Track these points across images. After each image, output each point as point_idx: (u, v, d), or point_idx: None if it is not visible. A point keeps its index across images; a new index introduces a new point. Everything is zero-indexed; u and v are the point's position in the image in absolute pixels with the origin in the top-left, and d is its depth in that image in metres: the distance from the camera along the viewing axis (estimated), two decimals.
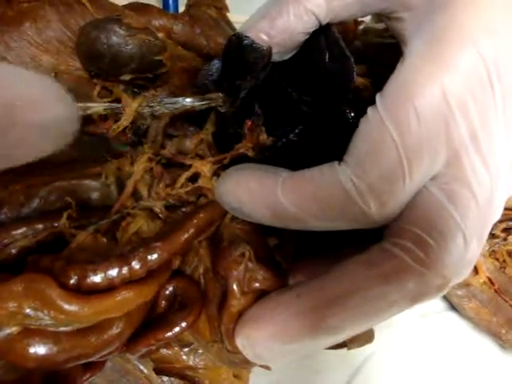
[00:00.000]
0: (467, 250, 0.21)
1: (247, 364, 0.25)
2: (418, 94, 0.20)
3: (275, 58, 0.24)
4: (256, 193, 0.22)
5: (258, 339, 0.22)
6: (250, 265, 0.23)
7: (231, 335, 0.23)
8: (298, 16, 0.22)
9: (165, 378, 0.31)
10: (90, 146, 0.29)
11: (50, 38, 0.26)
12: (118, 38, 0.23)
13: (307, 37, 0.23)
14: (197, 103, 0.24)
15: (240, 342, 0.22)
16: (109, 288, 0.21)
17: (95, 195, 0.29)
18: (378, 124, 0.20)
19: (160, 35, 0.26)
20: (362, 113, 0.21)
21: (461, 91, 0.19)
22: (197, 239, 0.25)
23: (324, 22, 0.23)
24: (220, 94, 0.24)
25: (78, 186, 0.28)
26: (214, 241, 0.26)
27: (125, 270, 0.21)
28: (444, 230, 0.20)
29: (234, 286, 0.23)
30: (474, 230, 0.21)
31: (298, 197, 0.21)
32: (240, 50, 0.24)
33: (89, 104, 0.24)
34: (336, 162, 0.21)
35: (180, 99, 0.24)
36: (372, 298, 0.20)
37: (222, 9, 0.34)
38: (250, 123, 0.24)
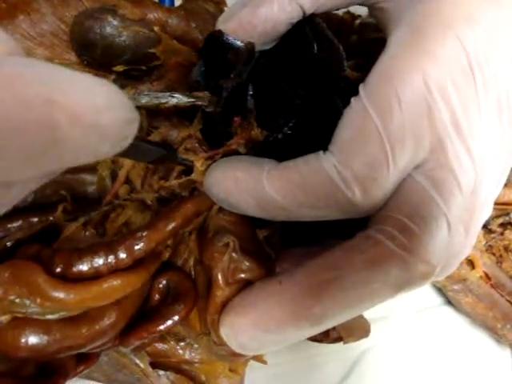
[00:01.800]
0: (452, 236, 0.21)
1: (235, 356, 0.25)
2: (400, 80, 0.20)
3: (256, 47, 0.24)
4: (242, 183, 0.22)
5: (241, 327, 0.22)
6: (234, 255, 0.23)
7: (216, 326, 0.23)
8: (281, 5, 0.22)
9: (161, 372, 0.31)
10: None
11: (44, 31, 0.26)
12: (111, 29, 0.23)
13: (290, 27, 0.23)
14: (183, 100, 0.24)
15: (224, 331, 0.22)
16: (95, 276, 0.21)
17: (91, 189, 0.29)
18: (361, 111, 0.20)
19: (155, 28, 0.25)
20: None
21: (442, 78, 0.20)
22: (184, 229, 0.25)
23: (308, 12, 0.23)
24: (207, 93, 0.24)
25: (74, 180, 0.28)
26: (201, 232, 0.26)
27: (111, 258, 0.21)
28: (427, 216, 0.20)
29: (219, 277, 0.23)
30: (459, 216, 0.21)
31: (283, 186, 0.21)
32: (219, 49, 0.23)
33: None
34: (321, 151, 0.21)
35: (167, 94, 0.24)
36: (355, 285, 0.20)
37: (220, 3, 0.33)
38: (238, 120, 0.24)
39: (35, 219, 0.26)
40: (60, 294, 0.20)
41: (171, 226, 0.23)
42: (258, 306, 0.21)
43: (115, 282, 0.21)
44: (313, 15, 0.24)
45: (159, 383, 0.31)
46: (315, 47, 0.23)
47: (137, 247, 0.22)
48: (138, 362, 0.31)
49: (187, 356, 0.30)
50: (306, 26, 0.24)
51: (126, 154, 0.17)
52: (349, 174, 0.20)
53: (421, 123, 0.20)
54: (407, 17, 0.21)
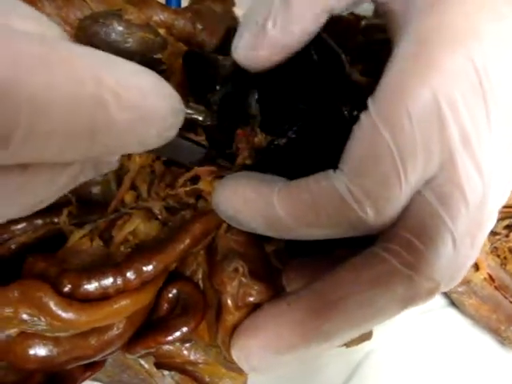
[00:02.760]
0: (457, 253, 0.21)
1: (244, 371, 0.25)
2: (409, 96, 0.19)
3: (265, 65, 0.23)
4: (252, 202, 0.22)
5: (252, 350, 0.22)
6: (243, 280, 0.23)
7: (228, 347, 0.23)
8: (313, 16, 0.21)
9: (165, 373, 0.31)
10: None
11: None
12: (117, 35, 0.23)
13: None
14: None
15: (235, 354, 0.22)
16: (102, 297, 0.21)
17: (96, 190, 0.29)
18: (371, 129, 0.20)
19: (161, 31, 0.25)
20: (360, 110, 0.21)
21: (451, 93, 0.19)
22: (192, 249, 0.25)
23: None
24: (201, 107, 0.24)
25: None
26: (210, 250, 0.26)
27: (119, 280, 0.21)
28: (433, 234, 0.20)
29: (229, 302, 0.23)
30: (465, 233, 0.20)
31: (294, 206, 0.21)
32: (196, 66, 0.23)
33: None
34: (331, 170, 0.21)
35: None
36: (362, 303, 0.20)
37: (227, 2, 0.33)
38: (241, 133, 0.24)
39: (39, 221, 0.26)
40: (70, 316, 0.20)
41: (180, 247, 0.23)
42: (268, 328, 0.21)
43: (124, 301, 0.21)
44: None
45: (163, 383, 0.31)
46: (315, 56, 0.23)
47: (145, 269, 0.22)
48: (142, 362, 0.31)
49: (192, 357, 0.30)
50: None
51: (168, 152, 0.17)
52: (361, 194, 0.20)
53: (431, 139, 0.19)
54: (414, 26, 0.21)
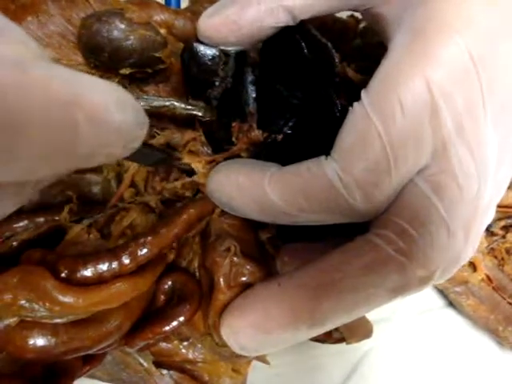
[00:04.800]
0: (452, 242, 0.21)
1: (237, 358, 0.26)
2: (402, 85, 0.19)
3: (237, 48, 0.24)
4: (245, 187, 0.22)
5: (241, 328, 0.22)
6: (235, 259, 0.23)
7: (217, 328, 0.23)
8: (269, 10, 0.22)
9: (164, 371, 0.31)
10: None
11: (51, 32, 0.27)
12: (118, 33, 0.23)
13: (277, 30, 0.23)
14: (181, 107, 0.24)
15: (224, 332, 0.22)
16: (99, 282, 0.21)
17: (96, 189, 0.29)
18: (363, 117, 0.20)
19: (162, 31, 0.26)
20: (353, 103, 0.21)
21: (445, 81, 0.19)
22: (186, 234, 0.25)
23: (298, 19, 0.23)
24: (201, 103, 0.24)
25: (80, 180, 0.29)
26: (204, 235, 0.26)
27: (114, 264, 0.21)
28: (427, 221, 0.20)
29: (221, 281, 0.23)
30: (459, 222, 0.21)
31: (285, 191, 0.21)
32: (194, 62, 0.24)
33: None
34: (323, 157, 0.21)
35: (165, 99, 0.24)
36: (354, 288, 0.20)
37: None
38: (237, 126, 0.24)
39: (41, 219, 0.26)
40: (69, 299, 0.20)
41: (174, 231, 0.23)
42: (257, 308, 0.21)
43: (123, 286, 0.21)
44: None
45: (162, 382, 0.31)
46: (305, 49, 0.24)
47: (140, 253, 0.22)
48: (141, 361, 0.31)
49: (190, 355, 0.30)
50: (293, 29, 0.24)
51: (129, 156, 0.18)
52: (350, 180, 0.20)
53: (423, 128, 0.20)
54: (406, 21, 0.21)
